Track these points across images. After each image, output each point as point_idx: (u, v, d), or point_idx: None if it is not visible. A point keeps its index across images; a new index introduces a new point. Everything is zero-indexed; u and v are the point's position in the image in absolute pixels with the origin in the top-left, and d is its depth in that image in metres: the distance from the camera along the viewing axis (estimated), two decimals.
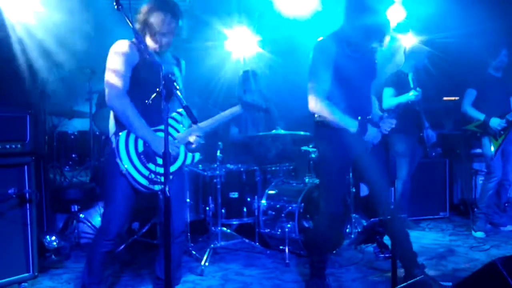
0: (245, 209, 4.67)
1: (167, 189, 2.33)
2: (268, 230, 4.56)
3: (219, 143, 4.48)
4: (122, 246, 4.25)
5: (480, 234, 5.04)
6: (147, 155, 2.77)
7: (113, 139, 2.81)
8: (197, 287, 3.64)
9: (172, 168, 2.88)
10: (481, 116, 5.01)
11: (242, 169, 4.72)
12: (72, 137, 6.26)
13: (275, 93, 5.89)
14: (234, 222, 4.73)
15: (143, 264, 4.13)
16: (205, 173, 4.62)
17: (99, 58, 5.98)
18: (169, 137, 2.86)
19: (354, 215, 4.98)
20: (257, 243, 4.58)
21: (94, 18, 5.28)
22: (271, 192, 4.71)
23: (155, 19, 2.79)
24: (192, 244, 4.43)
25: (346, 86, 3.15)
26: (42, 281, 3.70)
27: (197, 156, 3.01)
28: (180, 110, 2.89)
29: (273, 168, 5.04)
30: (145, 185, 2.75)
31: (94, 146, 5.96)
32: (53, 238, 4.10)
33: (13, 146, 3.36)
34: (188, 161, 2.98)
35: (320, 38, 3.20)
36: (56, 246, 4.10)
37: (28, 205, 3.37)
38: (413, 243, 3.48)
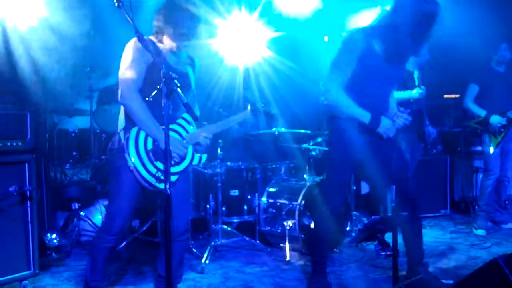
0: (245, 207, 4.67)
1: (167, 187, 2.33)
2: (269, 228, 4.57)
3: (219, 141, 4.48)
4: (123, 244, 4.24)
5: (481, 232, 5.03)
6: (156, 154, 2.77)
7: (121, 134, 2.80)
8: (197, 285, 3.64)
9: (179, 168, 2.87)
10: (482, 113, 5.00)
11: (242, 167, 4.72)
12: (73, 135, 6.25)
13: (276, 91, 5.89)
14: (235, 220, 4.73)
15: (144, 262, 4.14)
16: (206, 171, 4.61)
17: (99, 56, 6.02)
18: (178, 137, 2.87)
19: (354, 213, 4.97)
20: (258, 241, 4.58)
21: (94, 15, 5.27)
22: (271, 189, 4.70)
23: (176, 19, 2.78)
24: (192, 242, 4.43)
25: (366, 83, 3.13)
26: (43, 279, 3.70)
27: (204, 157, 3.00)
28: None
29: (274, 166, 5.04)
30: (151, 183, 2.74)
31: (95, 144, 5.96)
32: (54, 236, 4.10)
33: (14, 143, 3.36)
34: (195, 161, 2.96)
35: (352, 30, 3.17)
36: (57, 244, 4.10)
37: (29, 203, 3.37)
38: None
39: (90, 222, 4.75)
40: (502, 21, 5.65)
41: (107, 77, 6.22)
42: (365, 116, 3.07)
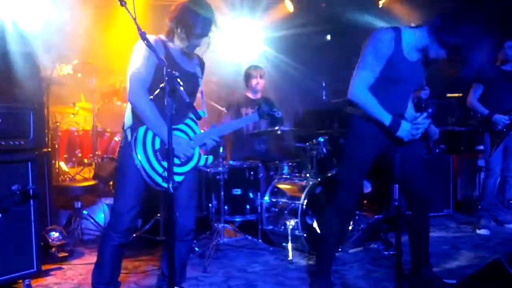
0: (248, 206, 4.67)
1: (170, 186, 2.33)
2: (271, 227, 4.56)
3: (222, 139, 4.47)
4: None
5: (484, 231, 5.02)
6: (163, 153, 2.76)
7: (128, 132, 2.79)
8: (200, 284, 3.64)
9: (185, 169, 2.87)
10: (485, 112, 4.98)
11: (245, 166, 4.71)
12: (75, 133, 6.25)
13: (278, 89, 5.89)
14: (237, 219, 4.73)
15: (146, 260, 4.14)
16: (208, 170, 4.61)
17: (102, 54, 6.02)
18: (185, 137, 2.87)
19: (357, 212, 4.96)
20: (260, 240, 4.58)
21: (97, 13, 5.27)
22: (274, 189, 4.70)
23: (190, 19, 2.77)
24: (195, 241, 4.43)
25: (389, 84, 3.10)
26: (45, 277, 3.70)
27: (210, 158, 3.00)
28: (199, 111, 2.86)
29: (276, 165, 5.03)
30: (158, 182, 2.74)
31: (97, 143, 5.96)
32: (57, 234, 4.11)
33: (17, 142, 3.37)
34: (202, 162, 2.95)
35: (381, 29, 3.10)
36: (59, 242, 4.10)
37: (31, 201, 3.38)
38: None
39: (92, 220, 4.76)
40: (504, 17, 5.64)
41: (109, 75, 6.22)
42: (386, 119, 3.04)
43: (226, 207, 4.53)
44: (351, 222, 4.74)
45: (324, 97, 6.42)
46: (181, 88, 2.36)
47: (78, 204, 4.68)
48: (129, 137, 2.77)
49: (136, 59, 2.76)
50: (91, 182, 5.01)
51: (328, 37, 7.94)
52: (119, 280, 3.04)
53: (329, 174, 4.69)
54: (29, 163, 3.37)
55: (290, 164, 5.07)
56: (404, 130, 3.05)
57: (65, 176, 5.82)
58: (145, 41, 2.47)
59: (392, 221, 4.55)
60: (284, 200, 4.53)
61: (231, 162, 4.74)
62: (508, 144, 5.05)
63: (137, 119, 2.78)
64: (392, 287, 3.46)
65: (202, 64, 3.11)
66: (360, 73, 3.09)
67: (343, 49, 6.08)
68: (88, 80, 5.88)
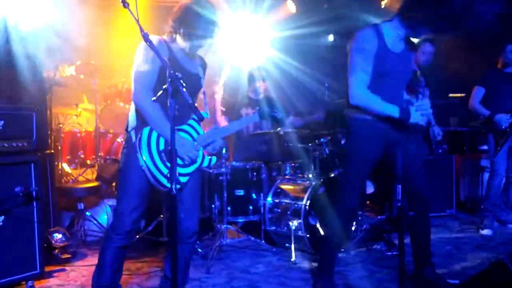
0: (251, 207, 4.67)
1: (173, 186, 2.32)
2: (274, 227, 4.56)
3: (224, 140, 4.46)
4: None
5: (487, 232, 5.01)
6: (168, 154, 2.76)
7: (132, 133, 2.79)
8: (203, 285, 3.64)
9: (189, 170, 2.86)
10: (486, 113, 4.97)
11: (247, 167, 4.71)
12: (78, 135, 6.27)
13: (281, 90, 5.88)
14: (240, 220, 4.72)
15: (149, 262, 4.14)
16: (211, 171, 4.61)
17: (104, 56, 6.04)
18: (189, 138, 2.87)
19: (360, 212, 4.96)
20: (263, 241, 4.58)
21: (99, 15, 5.28)
22: (277, 189, 4.70)
23: (193, 20, 2.77)
24: (198, 242, 4.43)
25: (381, 79, 3.12)
26: (48, 279, 3.70)
27: (214, 159, 2.99)
28: (202, 112, 2.86)
29: (279, 165, 5.03)
30: (163, 183, 2.73)
31: (100, 144, 5.97)
32: (60, 236, 4.11)
33: (20, 144, 3.37)
34: (205, 163, 2.95)
35: (361, 29, 3.16)
36: (62, 244, 4.11)
37: (34, 203, 3.38)
38: None
39: (95, 222, 4.77)
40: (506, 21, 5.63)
41: (112, 77, 6.24)
42: (394, 111, 3.06)
43: (229, 208, 4.53)
44: (354, 223, 4.74)
45: (326, 98, 6.42)
46: (184, 89, 2.36)
47: (81, 206, 4.69)
48: (133, 138, 2.77)
49: (140, 60, 2.76)
50: (94, 184, 5.02)
51: (331, 37, 7.95)
52: (120, 283, 3.03)
53: (332, 175, 4.69)
54: (32, 164, 3.38)
55: (292, 164, 5.07)
56: (416, 115, 3.07)
57: (68, 178, 5.83)
58: (148, 43, 2.47)
59: (395, 222, 4.55)
60: (287, 200, 4.53)
61: (233, 163, 4.74)
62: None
63: (141, 120, 2.78)
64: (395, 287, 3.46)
65: (204, 65, 3.12)
66: (353, 77, 3.12)
67: (345, 49, 6.07)
68: (91, 82, 5.90)
